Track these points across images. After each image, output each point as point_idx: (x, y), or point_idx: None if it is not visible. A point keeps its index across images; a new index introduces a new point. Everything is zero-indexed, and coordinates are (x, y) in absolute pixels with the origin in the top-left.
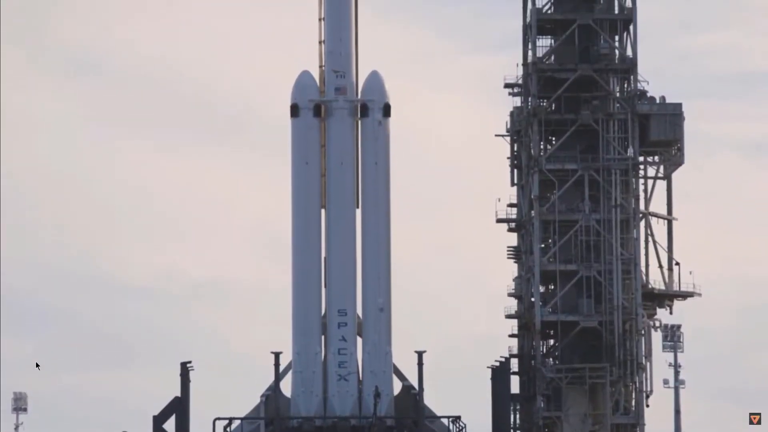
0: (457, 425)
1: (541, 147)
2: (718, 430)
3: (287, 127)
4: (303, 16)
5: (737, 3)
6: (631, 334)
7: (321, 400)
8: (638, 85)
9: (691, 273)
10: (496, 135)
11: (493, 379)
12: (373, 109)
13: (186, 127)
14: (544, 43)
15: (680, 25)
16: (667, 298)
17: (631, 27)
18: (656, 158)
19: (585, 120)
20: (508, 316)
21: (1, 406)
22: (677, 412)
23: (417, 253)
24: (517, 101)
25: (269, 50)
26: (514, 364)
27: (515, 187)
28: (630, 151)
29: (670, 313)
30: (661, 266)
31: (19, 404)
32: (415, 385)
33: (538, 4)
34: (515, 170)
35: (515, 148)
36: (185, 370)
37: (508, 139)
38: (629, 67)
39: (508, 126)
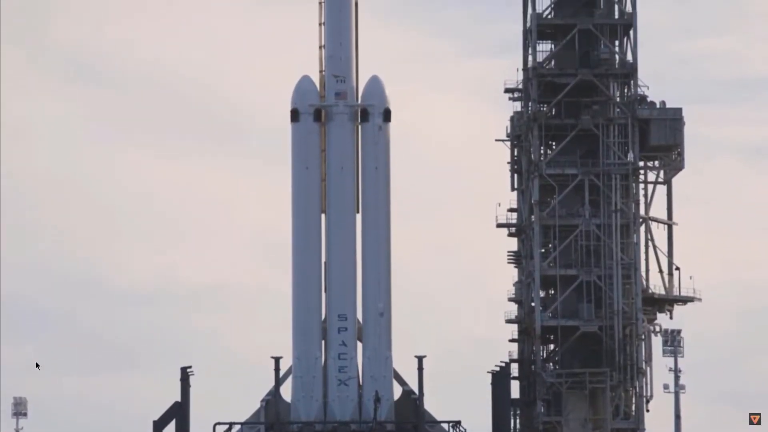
0: (458, 430)
1: (542, 152)
2: None
3: (287, 131)
4: (303, 21)
5: (737, 8)
6: (631, 339)
7: (321, 404)
8: (638, 89)
9: (691, 278)
10: (496, 140)
11: (493, 383)
12: (373, 113)
13: (186, 132)
14: (545, 48)
15: (680, 29)
16: (667, 302)
17: (632, 32)
18: (656, 163)
19: (585, 125)
20: (508, 321)
21: (1, 410)
22: (677, 416)
23: (417, 258)
24: (518, 106)
25: (269, 55)
26: (515, 368)
27: (515, 192)
28: (630, 156)
29: (671, 317)
30: (661, 271)
31: (19, 409)
32: (416, 389)
33: (539, 9)
34: (515, 175)
35: (515, 153)
36: (185, 374)
37: (508, 143)
38: (629, 72)
39: (508, 131)
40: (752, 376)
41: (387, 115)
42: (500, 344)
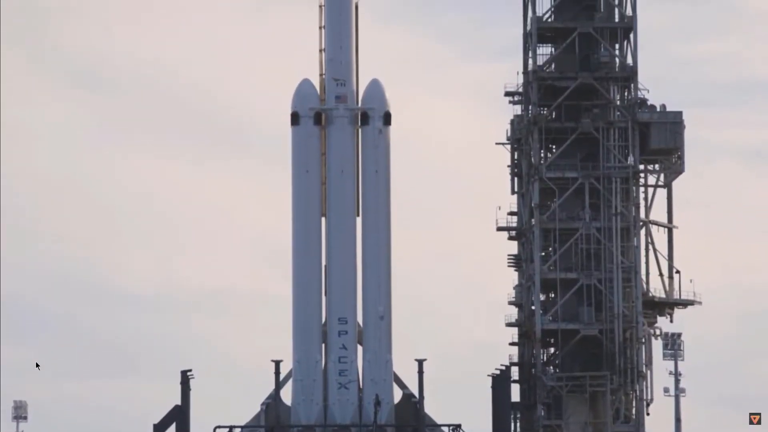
0: None
1: (542, 155)
2: None
3: (288, 135)
4: (303, 25)
5: (737, 11)
6: (631, 343)
7: (321, 408)
8: (638, 93)
9: (691, 281)
10: (497, 143)
11: (494, 387)
12: (373, 117)
13: (187, 135)
14: (545, 51)
15: (680, 33)
16: (667, 306)
17: (632, 35)
18: (656, 166)
19: (585, 128)
20: (509, 324)
21: (2, 414)
22: (678, 420)
23: (417, 261)
24: (518, 109)
25: (270, 58)
26: (515, 372)
27: (515, 195)
28: (630, 159)
29: (671, 321)
30: (661, 274)
31: (20, 412)
32: (416, 393)
33: (539, 13)
34: (515, 178)
35: (515, 156)
36: (186, 378)
37: (509, 147)
38: (629, 75)
39: (509, 134)
40: (752, 379)
41: (387, 119)
42: (500, 347)
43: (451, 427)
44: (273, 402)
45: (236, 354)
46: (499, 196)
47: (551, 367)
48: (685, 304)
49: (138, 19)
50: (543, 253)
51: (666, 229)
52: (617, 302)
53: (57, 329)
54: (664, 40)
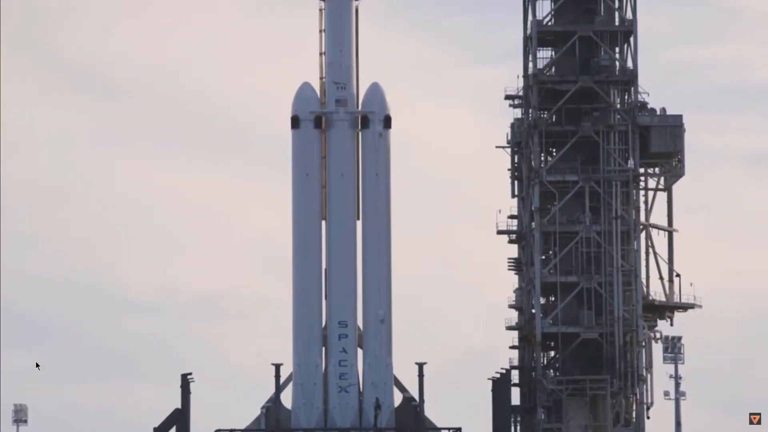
0: None
1: (542, 158)
2: None
3: (288, 138)
4: (303, 28)
5: (737, 15)
6: (631, 346)
7: (322, 411)
8: (639, 96)
9: (691, 285)
10: (497, 146)
11: (494, 390)
12: (373, 120)
13: (187, 139)
14: (545, 54)
15: (681, 37)
16: (667, 309)
17: (632, 39)
18: (657, 170)
19: (585, 132)
20: (509, 328)
21: (2, 418)
22: (678, 423)
23: (417, 265)
24: (518, 113)
25: (270, 62)
26: (515, 375)
27: (516, 199)
28: (630, 163)
29: (671, 324)
30: (661, 278)
31: (20, 416)
32: (416, 396)
33: (539, 16)
34: (516, 182)
35: (516, 160)
36: (186, 381)
37: (509, 150)
38: (630, 79)
39: (509, 137)
40: (753, 382)
41: (387, 122)
42: (501, 351)
43: (451, 431)
44: (273, 405)
45: (236, 357)
46: (499, 200)
47: (551, 371)
48: (685, 307)
49: (138, 23)
50: (543, 257)
51: (666, 233)
52: (617, 306)
53: (57, 333)
54: (664, 43)
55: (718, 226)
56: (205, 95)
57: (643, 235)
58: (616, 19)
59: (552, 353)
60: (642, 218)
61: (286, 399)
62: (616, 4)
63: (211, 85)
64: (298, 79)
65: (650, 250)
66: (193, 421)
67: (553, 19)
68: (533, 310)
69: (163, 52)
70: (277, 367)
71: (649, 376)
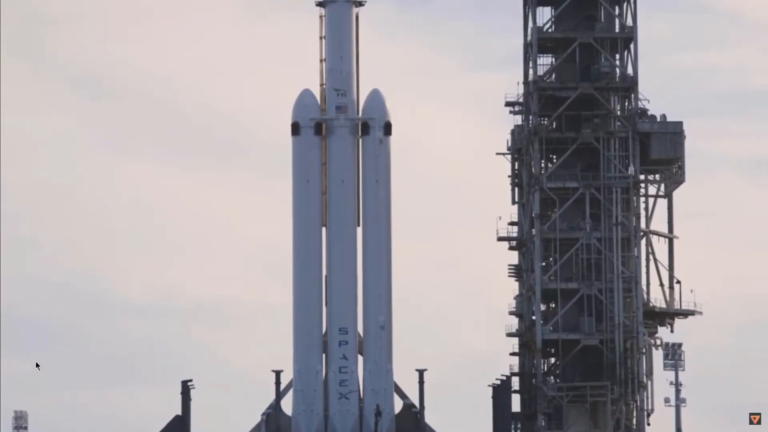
0: None
1: (542, 165)
2: None
3: (288, 145)
4: (304, 35)
5: (737, 21)
6: (632, 353)
7: (322, 418)
8: (639, 103)
9: (692, 291)
10: (497, 153)
11: (494, 397)
12: (374, 127)
13: (187, 145)
14: (545, 61)
15: (681, 43)
16: (668, 316)
17: (632, 45)
18: (657, 176)
19: (586, 138)
20: (509, 335)
21: (2, 424)
22: (678, 430)
23: (418, 271)
24: (518, 119)
25: (270, 68)
26: (515, 382)
27: (516, 206)
28: (631, 170)
29: (671, 331)
30: (662, 284)
31: (20, 423)
32: (416, 403)
33: (539, 23)
34: (516, 188)
35: (516, 167)
36: (186, 388)
37: (509, 157)
38: (630, 86)
39: (509, 144)
40: (753, 389)
41: (388, 129)
42: (501, 358)
43: None
44: (273, 412)
45: (237, 364)
46: (499, 206)
47: (552, 377)
48: (685, 314)
49: (138, 29)
50: (543, 263)
51: (666, 239)
52: (618, 312)
53: (57, 339)
54: (664, 50)
55: (719, 232)
56: (205, 101)
57: (643, 241)
58: (617, 26)
59: (552, 360)
60: (642, 225)
61: (287, 406)
62: (617, 11)
63: (211, 92)
64: (298, 86)
65: (650, 256)
66: (193, 427)
67: (553, 26)
68: (534, 317)
69: (163, 58)
70: (278, 373)
71: (649, 382)
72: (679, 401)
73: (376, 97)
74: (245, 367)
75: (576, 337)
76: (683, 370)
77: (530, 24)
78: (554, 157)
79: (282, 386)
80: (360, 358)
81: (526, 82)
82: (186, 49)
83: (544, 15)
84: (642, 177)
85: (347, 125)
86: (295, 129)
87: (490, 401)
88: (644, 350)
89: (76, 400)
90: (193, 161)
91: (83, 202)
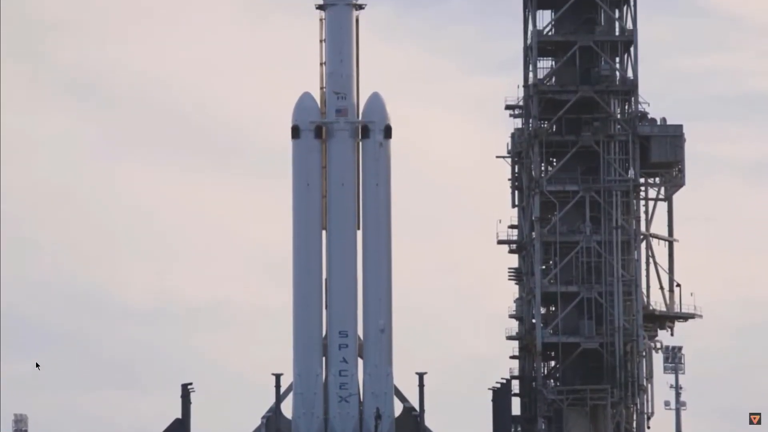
0: None
1: (542, 168)
2: None
3: (288, 148)
4: (304, 38)
5: (737, 25)
6: (632, 356)
7: (322, 421)
8: (639, 106)
9: (692, 294)
10: (497, 156)
11: (494, 400)
12: (374, 130)
13: (186, 149)
14: (545, 64)
15: (681, 46)
16: (668, 319)
17: (632, 49)
18: (657, 180)
19: (586, 141)
20: (509, 338)
21: (2, 427)
22: None
23: (418, 275)
24: (518, 123)
25: (270, 72)
26: (515, 385)
27: (516, 209)
28: (631, 173)
29: (671, 334)
30: (662, 288)
31: (20, 426)
32: (417, 406)
33: (539, 26)
34: (516, 192)
35: (516, 170)
36: (186, 391)
37: (509, 160)
38: (630, 89)
39: (509, 147)
40: (753, 392)
41: (388, 132)
42: (501, 361)
43: None
44: (273, 415)
45: (237, 367)
46: (499, 210)
47: (552, 381)
48: (685, 317)
49: (138, 31)
50: (543, 267)
51: (666, 243)
52: (618, 315)
53: (57, 341)
54: (664, 53)
55: (719, 235)
56: (205, 104)
57: (643, 244)
58: (617, 29)
59: (552, 363)
60: (642, 228)
61: (287, 409)
62: (617, 14)
63: (211, 95)
64: (298, 89)
65: (650, 259)
66: (193, 430)
67: (553, 29)
68: (533, 320)
69: (163, 61)
70: (278, 376)
71: (649, 386)
72: (679, 404)
73: (376, 100)
74: (245, 371)
75: (576, 340)
76: (683, 373)
77: (530, 27)
78: (554, 160)
79: (282, 389)
80: (360, 362)
81: (526, 86)
82: (186, 52)
83: (544, 18)
84: (642, 180)
85: (347, 128)
86: (295, 132)
87: (490, 404)
88: (644, 353)
89: (75, 403)
90: (193, 164)
91: (82, 204)
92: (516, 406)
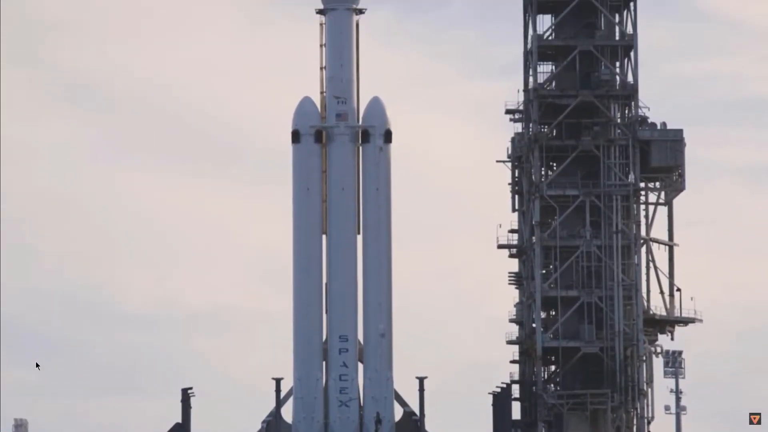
0: None
1: (542, 173)
2: None
3: (288, 153)
4: (304, 42)
5: (737, 29)
6: (632, 360)
7: (322, 426)
8: (639, 111)
9: (692, 299)
10: (497, 161)
11: (495, 405)
12: (374, 135)
13: (186, 154)
14: (545, 69)
15: (681, 51)
16: (668, 323)
17: (632, 53)
18: (657, 184)
19: (586, 146)
20: (509, 342)
21: None
22: None
23: (418, 279)
24: (518, 127)
25: (270, 76)
26: (516, 390)
27: (516, 213)
28: (631, 177)
29: (672, 338)
30: (662, 292)
31: (20, 431)
32: (417, 410)
33: (539, 31)
34: (516, 196)
35: (516, 174)
36: (186, 396)
37: (509, 165)
38: (630, 93)
39: (509, 152)
40: (753, 396)
41: (388, 136)
42: (501, 365)
43: None
44: (274, 420)
45: (237, 372)
46: (499, 214)
47: (552, 385)
48: (685, 321)
49: (137, 37)
50: (544, 271)
51: (667, 247)
52: (618, 320)
53: (57, 347)
54: (664, 58)
55: (719, 240)
56: (205, 109)
57: (643, 249)
58: (617, 34)
59: (552, 367)
60: (642, 232)
61: (287, 413)
62: (617, 19)
63: (211, 99)
64: (298, 94)
65: (651, 264)
66: None
67: (553, 34)
68: (534, 325)
69: (163, 66)
70: (278, 381)
71: (649, 390)
72: (680, 409)
73: (376, 104)
74: (245, 375)
75: (576, 344)
76: (683, 377)
77: (530, 32)
78: (554, 164)
79: (282, 394)
80: (360, 366)
81: (526, 90)
82: (186, 57)
83: (545, 23)
84: (642, 185)
85: (347, 133)
86: (296, 137)
87: (491, 409)
88: (644, 358)
89: (76, 408)
90: (193, 169)
91: (83, 211)
92: (516, 411)
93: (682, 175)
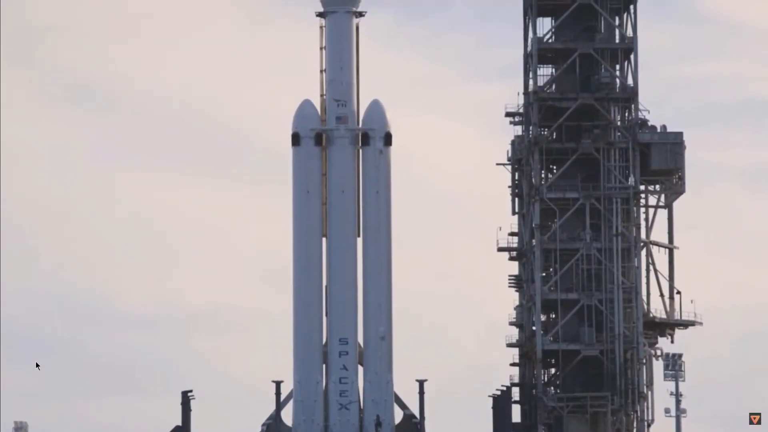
0: None
1: (542, 176)
2: None
3: (288, 155)
4: (304, 45)
5: (737, 32)
6: (632, 363)
7: (322, 428)
8: (639, 113)
9: (692, 302)
10: (497, 164)
11: (495, 407)
12: (374, 137)
13: (187, 156)
14: (545, 72)
15: (681, 54)
16: (668, 326)
17: (632, 56)
18: (657, 187)
19: (586, 149)
20: (510, 345)
21: None
22: None
23: (418, 282)
24: (518, 130)
25: (270, 79)
26: (516, 392)
27: (516, 216)
28: (631, 180)
29: (672, 341)
30: (662, 295)
31: None
32: (417, 413)
33: (539, 33)
34: (516, 199)
35: (516, 177)
36: (186, 399)
37: (509, 167)
38: (630, 96)
39: (509, 155)
40: (753, 399)
41: (388, 139)
42: (501, 368)
43: None
44: (274, 422)
45: (237, 374)
46: (499, 217)
47: (552, 388)
48: (686, 324)
49: (137, 39)
50: (544, 274)
51: (667, 250)
52: (618, 323)
53: (57, 349)
54: (664, 60)
55: (719, 242)
56: (206, 111)
57: (643, 252)
58: (617, 37)
59: (552, 370)
60: (642, 235)
61: (287, 416)
62: (617, 22)
63: (212, 102)
64: (298, 96)
65: (651, 267)
66: None
67: (553, 37)
68: (534, 327)
69: (163, 68)
70: (278, 384)
71: (649, 393)
72: (680, 412)
73: (376, 107)
74: (245, 378)
75: (576, 347)
76: (683, 380)
77: (530, 34)
78: (554, 167)
79: (282, 397)
80: (360, 369)
81: (526, 93)
82: (186, 57)
83: (545, 26)
84: (642, 187)
85: (347, 136)
86: (296, 139)
87: (491, 412)
88: (644, 361)
89: (76, 410)
90: (194, 171)
91: (82, 212)
92: (516, 414)
93: (682, 178)
